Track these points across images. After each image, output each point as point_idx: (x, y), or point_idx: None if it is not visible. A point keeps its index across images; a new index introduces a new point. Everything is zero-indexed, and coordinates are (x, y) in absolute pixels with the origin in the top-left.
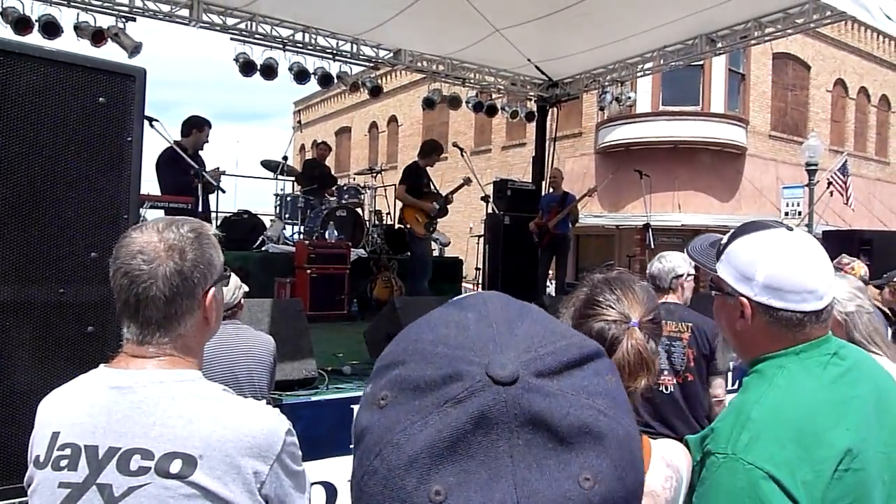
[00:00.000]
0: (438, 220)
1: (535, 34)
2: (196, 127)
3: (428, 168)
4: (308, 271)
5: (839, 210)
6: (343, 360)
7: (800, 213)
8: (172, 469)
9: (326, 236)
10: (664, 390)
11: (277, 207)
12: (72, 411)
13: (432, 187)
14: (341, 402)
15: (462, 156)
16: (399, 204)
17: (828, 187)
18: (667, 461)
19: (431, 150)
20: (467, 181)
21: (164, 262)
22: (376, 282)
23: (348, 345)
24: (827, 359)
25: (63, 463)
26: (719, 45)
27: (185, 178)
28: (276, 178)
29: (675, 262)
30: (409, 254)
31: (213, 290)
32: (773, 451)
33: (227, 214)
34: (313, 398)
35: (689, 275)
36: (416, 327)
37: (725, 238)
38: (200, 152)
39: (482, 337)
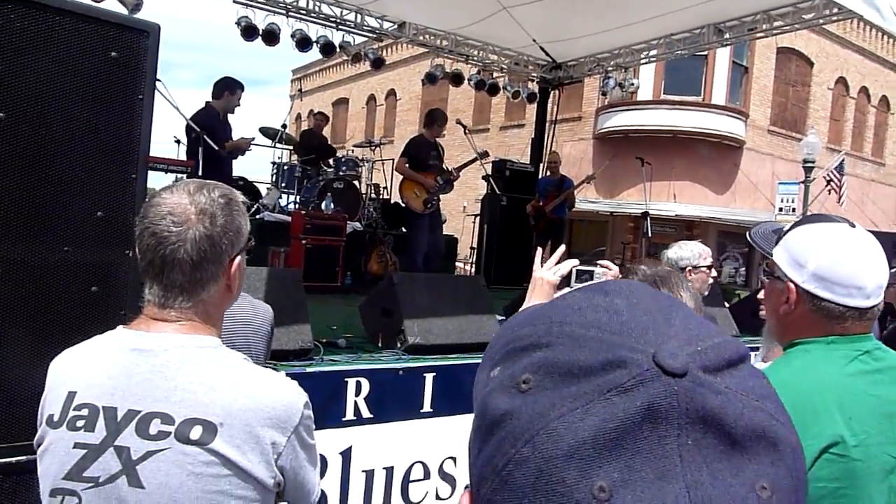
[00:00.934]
0: (441, 196)
1: (542, 14)
2: (228, 89)
3: (438, 140)
4: (303, 241)
5: (832, 209)
6: (337, 333)
7: (794, 210)
8: (193, 435)
9: (323, 207)
10: None
11: (274, 176)
12: (89, 371)
13: (440, 161)
14: (336, 374)
15: (465, 133)
16: (399, 177)
17: (826, 185)
18: None
19: (432, 120)
20: (483, 155)
21: (194, 226)
22: (371, 256)
23: (342, 317)
24: (855, 354)
25: (79, 423)
26: (727, 35)
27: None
28: (274, 147)
29: (678, 255)
30: (402, 229)
31: (238, 258)
32: None
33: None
34: (308, 369)
35: (694, 268)
36: (557, 309)
37: (789, 226)
38: (230, 115)
39: (639, 324)
